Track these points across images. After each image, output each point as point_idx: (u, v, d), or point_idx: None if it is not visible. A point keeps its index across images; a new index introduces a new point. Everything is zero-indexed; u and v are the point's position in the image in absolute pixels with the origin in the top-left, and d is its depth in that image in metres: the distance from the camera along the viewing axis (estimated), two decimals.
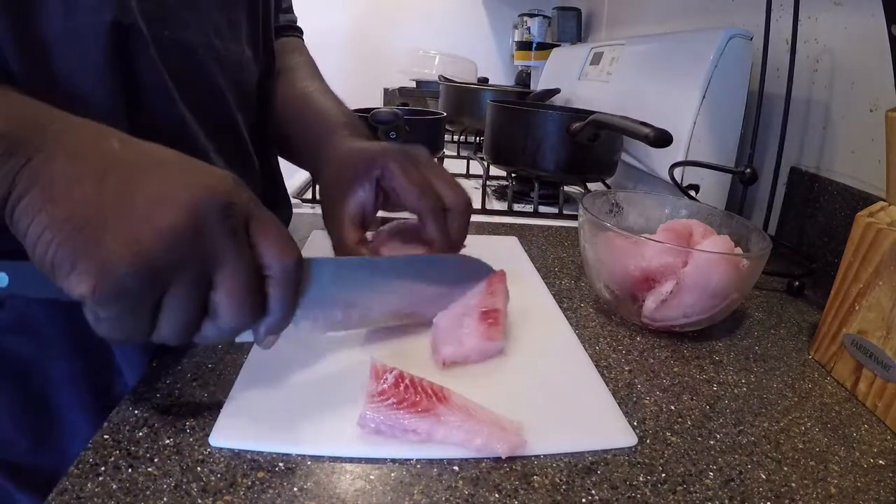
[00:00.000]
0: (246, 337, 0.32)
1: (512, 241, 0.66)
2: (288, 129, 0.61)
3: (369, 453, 0.31)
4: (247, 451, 0.31)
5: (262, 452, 0.31)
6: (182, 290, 0.27)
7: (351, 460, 0.31)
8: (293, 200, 0.79)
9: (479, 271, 0.45)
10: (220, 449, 0.31)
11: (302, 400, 0.35)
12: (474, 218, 0.78)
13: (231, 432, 0.32)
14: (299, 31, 0.74)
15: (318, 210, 0.77)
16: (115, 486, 0.28)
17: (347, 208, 0.45)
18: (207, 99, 0.49)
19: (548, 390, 0.38)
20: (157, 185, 0.27)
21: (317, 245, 0.62)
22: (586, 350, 0.44)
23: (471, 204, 0.49)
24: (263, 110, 0.61)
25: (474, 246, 0.63)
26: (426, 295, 0.42)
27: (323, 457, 0.31)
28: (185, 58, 0.45)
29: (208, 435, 0.31)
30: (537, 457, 0.32)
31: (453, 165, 1.03)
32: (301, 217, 0.74)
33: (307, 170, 0.60)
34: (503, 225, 0.75)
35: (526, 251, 0.63)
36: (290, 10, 0.74)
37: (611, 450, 0.33)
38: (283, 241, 0.30)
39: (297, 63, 0.67)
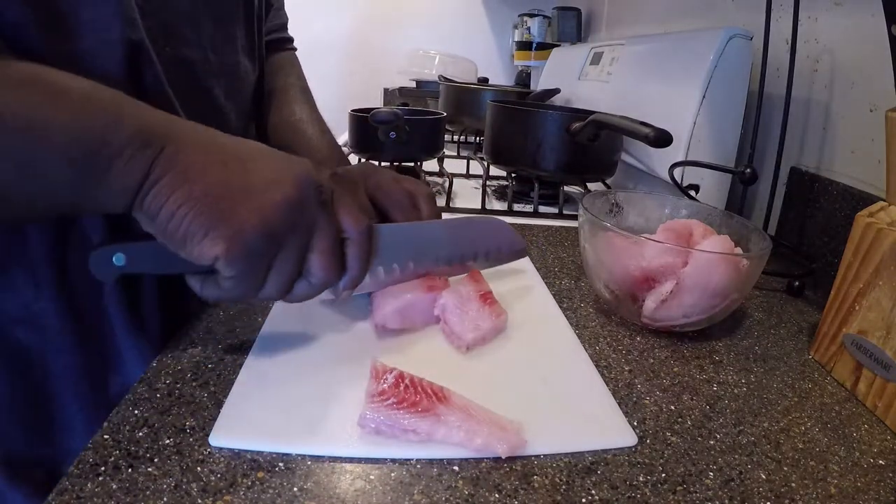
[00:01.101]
0: (325, 295, 0.37)
1: None
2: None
3: (369, 453, 0.31)
4: (247, 451, 0.31)
5: (262, 452, 0.31)
6: (290, 249, 0.33)
7: (351, 460, 0.31)
8: None
9: (514, 241, 0.51)
10: (220, 449, 0.31)
11: (302, 400, 0.35)
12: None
13: (231, 432, 0.32)
14: (290, 41, 0.75)
15: None
16: (115, 486, 0.28)
17: None
18: (206, 111, 0.51)
19: (548, 390, 0.38)
20: (268, 169, 0.33)
21: None
22: (586, 350, 0.43)
23: (415, 196, 0.51)
24: (259, 115, 0.63)
25: None
26: (468, 248, 0.48)
27: (323, 457, 0.31)
28: (185, 73, 0.48)
29: (208, 435, 0.31)
30: (537, 457, 0.32)
31: (453, 165, 1.03)
32: None
33: None
34: None
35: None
36: (281, 7, 0.74)
37: (611, 450, 0.33)
38: (357, 212, 0.36)
39: (289, 84, 0.69)
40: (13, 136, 0.28)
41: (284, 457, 0.31)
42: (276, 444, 0.31)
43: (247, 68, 0.57)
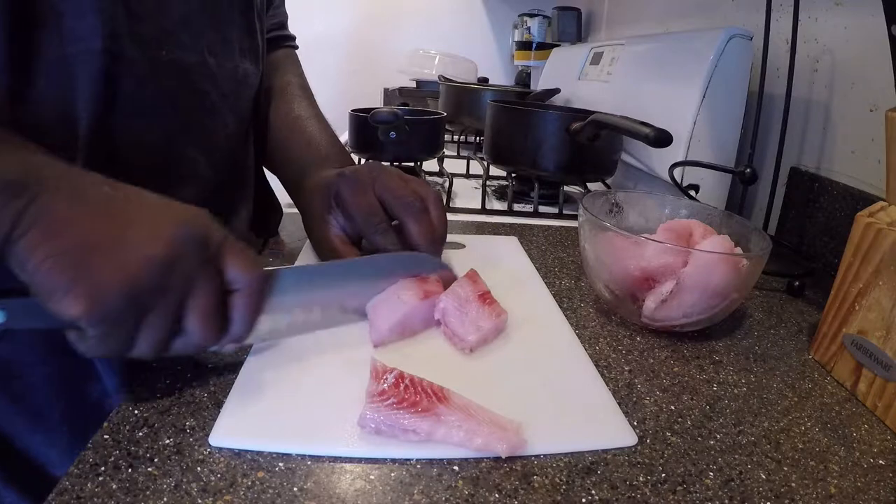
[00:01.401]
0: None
1: (512, 242, 0.66)
2: (275, 155, 0.64)
3: (369, 453, 0.31)
4: (247, 451, 0.31)
5: (263, 452, 0.31)
6: (160, 311, 0.31)
7: (350, 460, 0.31)
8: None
9: (427, 265, 0.47)
10: (220, 449, 0.31)
11: (302, 400, 0.35)
12: (474, 218, 0.78)
13: (231, 432, 0.32)
14: (292, 39, 0.74)
15: None
16: (115, 486, 0.28)
17: (330, 236, 0.50)
18: (202, 115, 0.51)
19: (548, 390, 0.38)
20: (144, 223, 0.31)
21: (311, 252, 0.60)
22: (586, 350, 0.43)
23: (424, 198, 0.49)
24: (258, 115, 0.62)
25: (475, 247, 0.63)
26: (380, 289, 0.44)
27: (323, 456, 0.31)
28: (179, 76, 0.47)
29: (208, 435, 0.31)
30: (537, 457, 0.32)
31: (453, 165, 1.03)
32: (295, 217, 0.73)
33: (289, 195, 0.62)
34: (503, 225, 0.75)
35: (526, 251, 0.63)
36: (280, 4, 0.73)
37: (611, 450, 0.33)
38: (248, 262, 0.34)
39: (287, 82, 0.68)
40: None
41: (284, 457, 0.31)
42: (277, 443, 0.31)
43: (247, 71, 0.57)
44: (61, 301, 0.28)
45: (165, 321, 0.31)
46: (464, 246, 0.62)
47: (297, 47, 0.75)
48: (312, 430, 0.32)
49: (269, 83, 0.65)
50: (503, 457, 0.31)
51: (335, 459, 0.31)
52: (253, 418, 0.33)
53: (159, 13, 0.45)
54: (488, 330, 0.42)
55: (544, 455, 0.32)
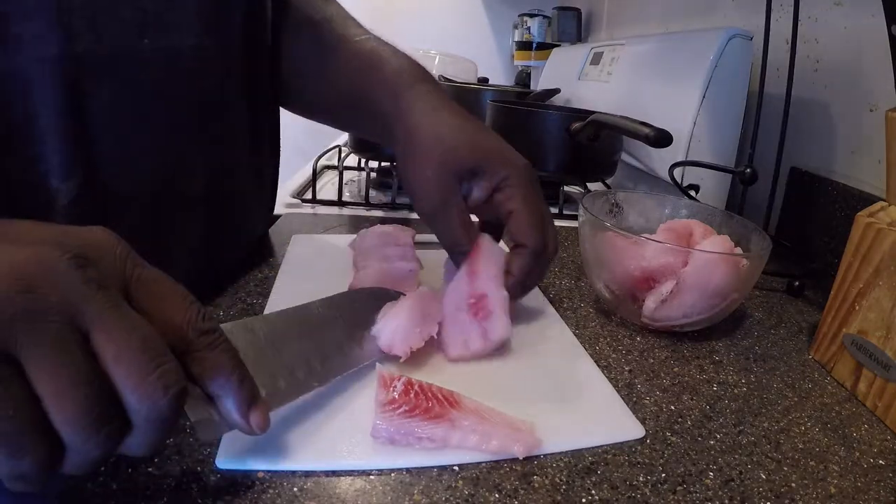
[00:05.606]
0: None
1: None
2: (342, 91, 0.54)
3: (388, 464, 0.30)
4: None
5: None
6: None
7: (369, 473, 0.30)
8: (293, 200, 0.79)
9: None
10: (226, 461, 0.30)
11: (306, 413, 0.34)
12: (474, 218, 0.77)
13: (240, 453, 0.30)
14: None
15: (309, 211, 0.76)
16: (115, 486, 0.28)
17: (461, 210, 0.44)
18: (203, 105, 0.44)
19: (550, 388, 0.38)
20: None
21: (297, 252, 0.58)
22: (586, 349, 0.43)
23: (552, 251, 0.45)
24: (267, 99, 0.55)
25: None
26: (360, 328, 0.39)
27: (340, 471, 0.30)
28: (169, 64, 0.40)
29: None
30: (537, 457, 0.32)
31: None
32: (291, 217, 0.73)
33: (373, 137, 0.53)
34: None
35: None
36: None
37: (611, 450, 0.33)
38: (125, 323, 0.22)
39: (333, 14, 0.58)
40: None
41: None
42: (289, 462, 0.30)
43: (250, 51, 0.49)
44: None
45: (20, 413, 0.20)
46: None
47: None
48: (324, 446, 0.31)
49: (306, 14, 0.57)
50: (520, 458, 0.31)
51: (352, 473, 0.30)
52: (260, 437, 0.30)
53: None
54: (475, 351, 0.40)
55: (544, 455, 0.32)
